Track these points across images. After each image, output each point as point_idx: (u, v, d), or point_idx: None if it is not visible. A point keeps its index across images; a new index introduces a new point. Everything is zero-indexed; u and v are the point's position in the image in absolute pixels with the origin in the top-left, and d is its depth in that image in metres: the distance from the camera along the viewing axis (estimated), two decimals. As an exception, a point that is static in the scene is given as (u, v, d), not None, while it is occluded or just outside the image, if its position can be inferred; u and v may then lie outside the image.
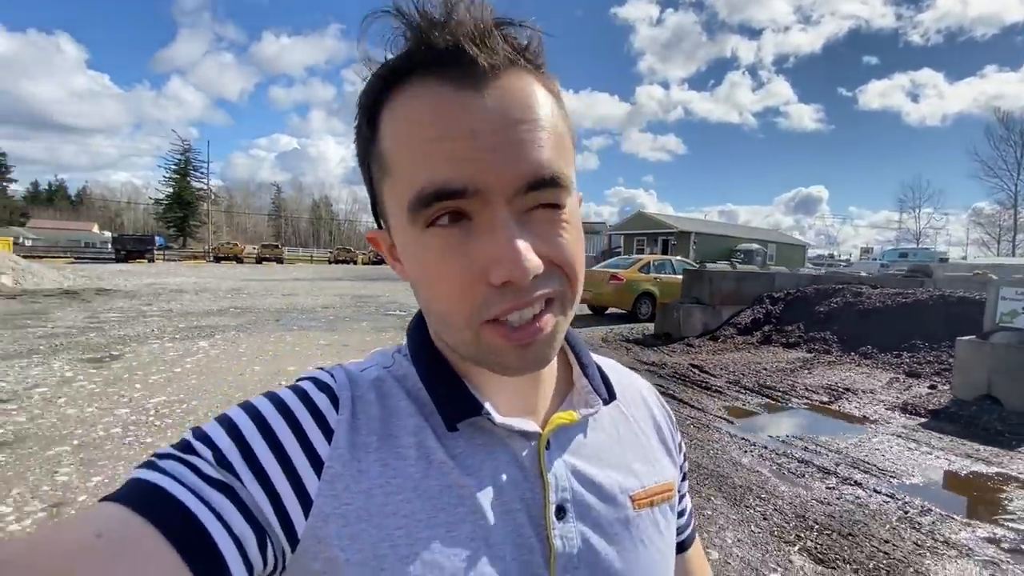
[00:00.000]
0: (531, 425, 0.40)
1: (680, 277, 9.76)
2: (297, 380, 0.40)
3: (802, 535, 2.51)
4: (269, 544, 0.33)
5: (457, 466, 0.38)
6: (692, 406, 4.72)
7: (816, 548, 2.40)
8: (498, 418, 0.38)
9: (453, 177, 0.32)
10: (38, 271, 14.97)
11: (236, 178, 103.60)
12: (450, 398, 0.39)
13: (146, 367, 5.33)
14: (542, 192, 0.34)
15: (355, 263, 41.33)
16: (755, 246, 27.36)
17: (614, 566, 0.39)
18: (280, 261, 37.68)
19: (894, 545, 2.45)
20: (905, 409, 4.76)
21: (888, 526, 2.63)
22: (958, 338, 4.96)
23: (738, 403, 4.88)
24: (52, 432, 3.52)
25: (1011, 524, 2.73)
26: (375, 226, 0.43)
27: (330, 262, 41.71)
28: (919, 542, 2.49)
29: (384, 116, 0.35)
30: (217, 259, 36.72)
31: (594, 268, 11.83)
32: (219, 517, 0.31)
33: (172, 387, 4.65)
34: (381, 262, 44.11)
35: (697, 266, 10.52)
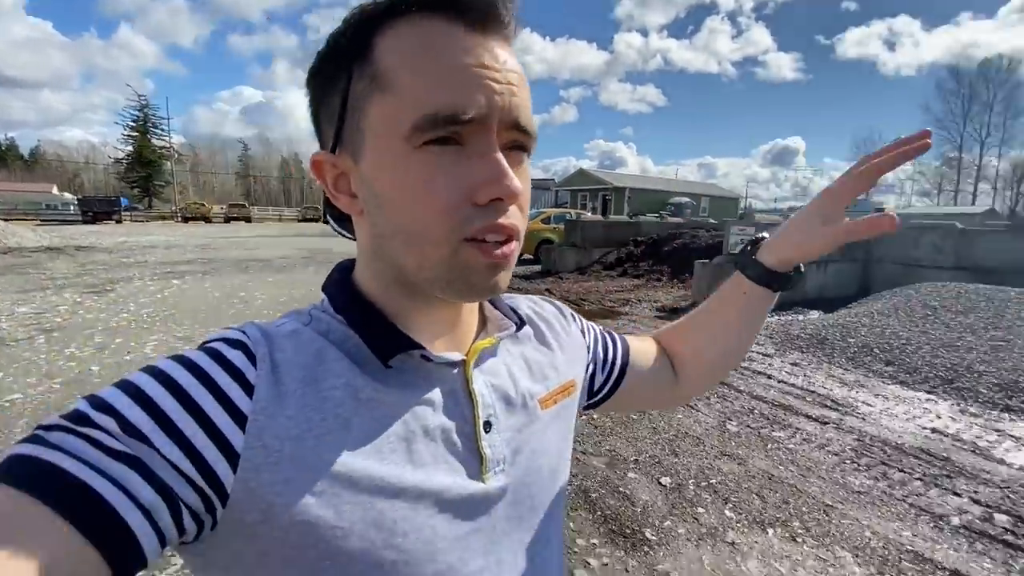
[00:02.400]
0: (457, 356, 0.43)
1: (573, 226, 12.04)
2: (206, 343, 0.39)
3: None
4: (185, 510, 0.32)
5: (388, 400, 0.39)
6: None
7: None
8: (431, 353, 0.41)
9: (468, 103, 0.35)
10: (16, 231, 16.45)
11: (199, 134, 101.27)
12: (383, 336, 0.40)
13: (135, 295, 7.38)
14: (520, 135, 0.38)
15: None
16: (685, 200, 29.99)
17: (529, 460, 0.46)
18: (248, 220, 38.79)
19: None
20: (659, 308, 7.18)
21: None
22: (696, 260, 7.34)
23: (550, 308, 7.23)
24: (82, 325, 5.62)
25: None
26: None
27: (299, 220, 42.86)
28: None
29: (387, 36, 0.37)
30: (185, 219, 37.63)
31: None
32: (123, 489, 0.30)
33: (155, 306, 6.74)
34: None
35: (573, 217, 12.83)
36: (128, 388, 0.34)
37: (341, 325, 0.42)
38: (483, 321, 0.49)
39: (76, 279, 8.84)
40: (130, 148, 57.82)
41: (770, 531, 2.29)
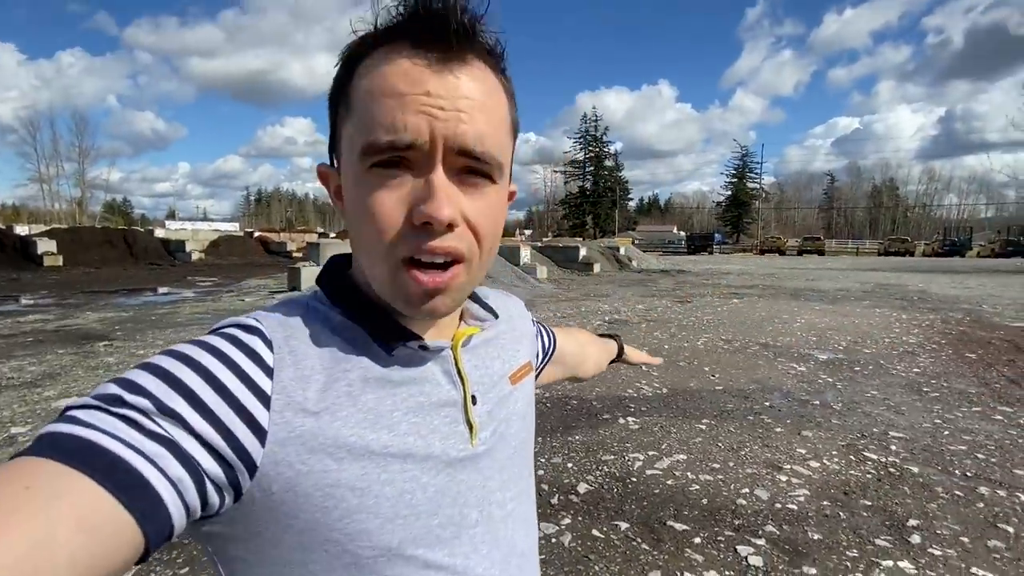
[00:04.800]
0: (446, 343, 0.47)
1: None
2: (219, 329, 0.42)
3: None
4: (210, 484, 0.35)
5: (393, 380, 0.44)
6: None
7: None
8: (427, 342, 0.45)
9: (406, 131, 0.38)
10: (646, 258, 23.78)
11: (788, 172, 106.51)
12: (385, 328, 0.44)
13: (703, 308, 9.62)
14: (472, 161, 0.40)
15: (910, 255, 36.22)
16: None
17: (506, 426, 0.52)
18: (821, 253, 38.33)
19: None
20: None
21: None
22: None
23: None
24: (667, 320, 8.08)
25: None
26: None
27: (879, 254, 38.33)
28: None
29: (362, 65, 0.41)
30: (761, 252, 41.59)
31: None
32: (155, 464, 0.32)
33: (714, 315, 8.63)
34: (947, 254, 36.04)
35: None
36: (157, 371, 0.36)
37: (340, 316, 0.45)
38: (461, 313, 0.53)
39: (670, 292, 12.28)
40: (728, 192, 68.75)
41: None
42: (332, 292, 0.47)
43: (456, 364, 0.49)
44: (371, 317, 0.45)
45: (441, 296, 0.42)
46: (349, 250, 0.49)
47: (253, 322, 0.42)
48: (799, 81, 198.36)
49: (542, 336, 0.75)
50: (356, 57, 0.42)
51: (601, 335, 0.99)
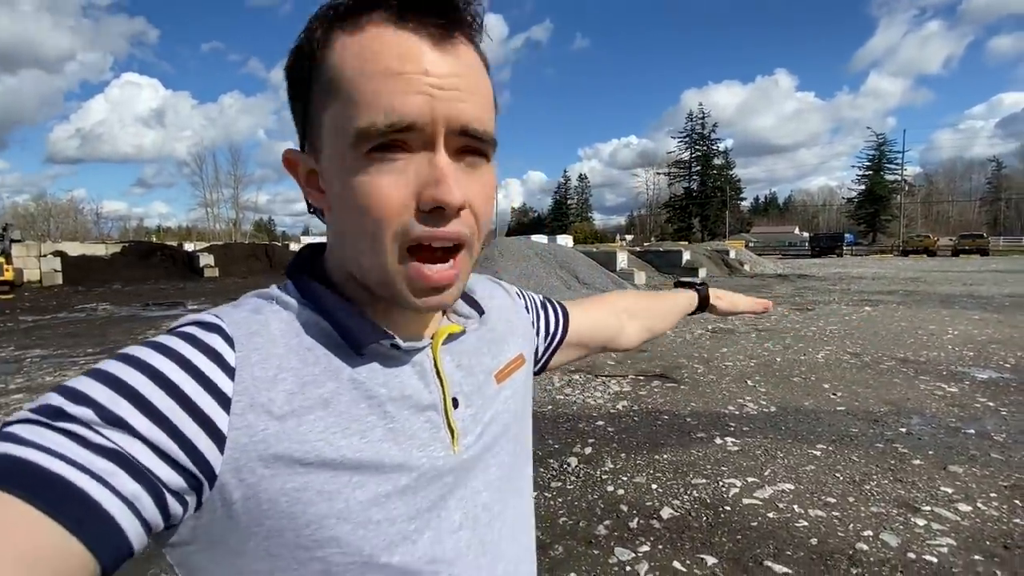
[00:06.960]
0: (424, 341, 0.45)
1: None
2: (176, 328, 0.39)
3: None
4: (169, 495, 0.33)
5: (365, 382, 0.41)
6: None
7: None
8: (400, 342, 0.42)
9: (406, 112, 0.36)
10: (761, 262, 21.85)
11: (938, 161, 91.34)
12: (355, 326, 0.41)
13: (827, 316, 8.57)
14: (472, 140, 0.38)
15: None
16: None
17: (494, 428, 0.49)
18: (984, 253, 32.44)
19: None
20: None
21: None
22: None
23: None
24: (782, 330, 7.29)
25: None
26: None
27: (1069, 252, 31.49)
28: None
29: (337, 41, 0.37)
30: (904, 253, 36.24)
31: None
32: (104, 482, 0.30)
33: (840, 325, 7.63)
34: None
35: None
36: (103, 376, 0.33)
37: (309, 311, 0.42)
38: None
39: (788, 298, 11.10)
40: (862, 187, 60.98)
41: None
42: (303, 286, 0.44)
43: (435, 364, 0.46)
44: (341, 313, 0.42)
45: (451, 288, 0.41)
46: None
47: (213, 319, 0.39)
48: (950, 55, 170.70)
49: (547, 320, 0.68)
50: (327, 26, 0.39)
51: (680, 283, 0.94)
